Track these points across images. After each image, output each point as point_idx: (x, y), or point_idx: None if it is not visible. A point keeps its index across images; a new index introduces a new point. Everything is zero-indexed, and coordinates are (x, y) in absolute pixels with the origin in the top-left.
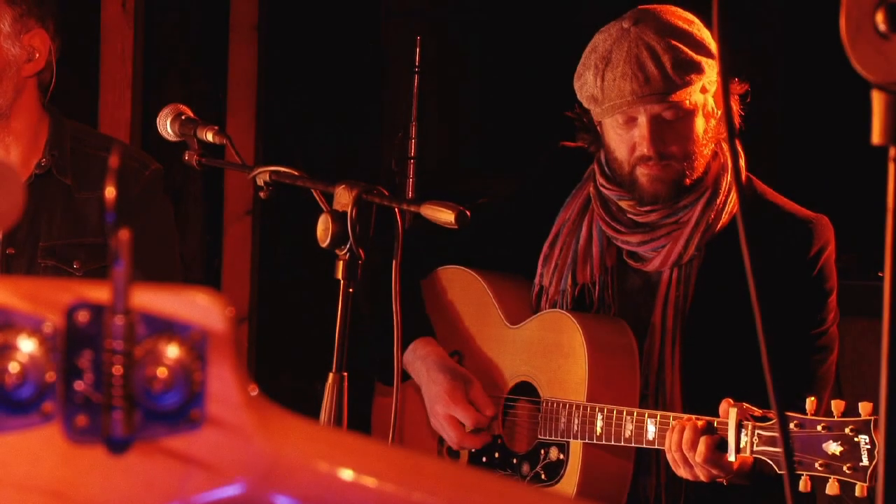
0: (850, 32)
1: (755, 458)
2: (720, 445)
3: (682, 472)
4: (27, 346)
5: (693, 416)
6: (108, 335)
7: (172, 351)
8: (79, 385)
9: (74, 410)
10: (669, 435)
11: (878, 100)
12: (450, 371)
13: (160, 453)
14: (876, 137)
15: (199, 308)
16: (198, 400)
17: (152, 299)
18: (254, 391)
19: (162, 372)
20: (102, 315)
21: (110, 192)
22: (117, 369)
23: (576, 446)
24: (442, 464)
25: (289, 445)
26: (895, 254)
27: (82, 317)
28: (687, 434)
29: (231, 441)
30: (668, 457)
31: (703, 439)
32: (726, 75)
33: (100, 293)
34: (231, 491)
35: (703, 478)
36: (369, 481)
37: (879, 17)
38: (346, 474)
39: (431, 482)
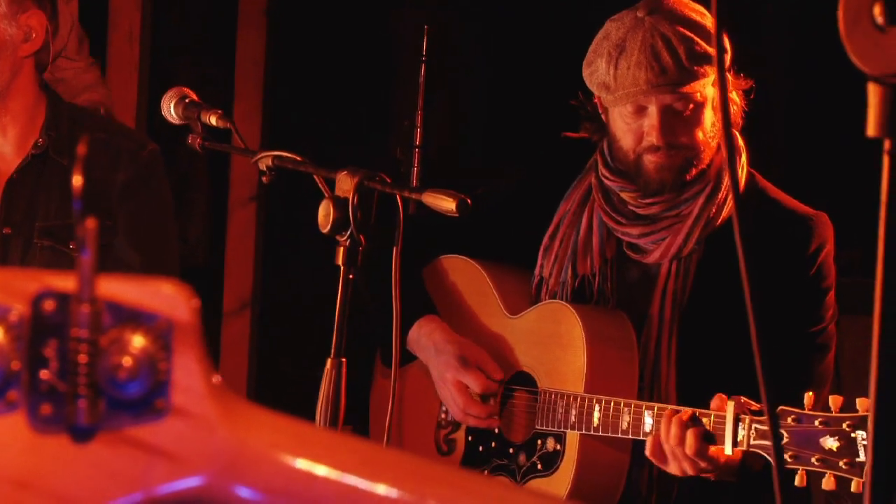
0: (847, 25)
1: (743, 454)
2: (706, 437)
3: (670, 467)
4: None
5: (680, 408)
6: (73, 324)
7: (138, 340)
8: (44, 374)
9: (39, 399)
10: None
11: (873, 92)
12: (457, 342)
13: (124, 443)
14: (871, 130)
15: (165, 298)
16: (162, 389)
17: (118, 289)
18: (217, 380)
19: (127, 361)
20: (68, 304)
21: (77, 180)
22: (82, 358)
23: (573, 437)
24: (405, 456)
25: (252, 436)
26: (887, 246)
27: (48, 305)
28: (673, 430)
29: (195, 431)
30: (653, 455)
31: (690, 432)
32: (722, 66)
33: (66, 282)
34: (194, 482)
35: (690, 471)
36: (333, 473)
37: (877, 10)
38: (310, 466)
39: (395, 473)
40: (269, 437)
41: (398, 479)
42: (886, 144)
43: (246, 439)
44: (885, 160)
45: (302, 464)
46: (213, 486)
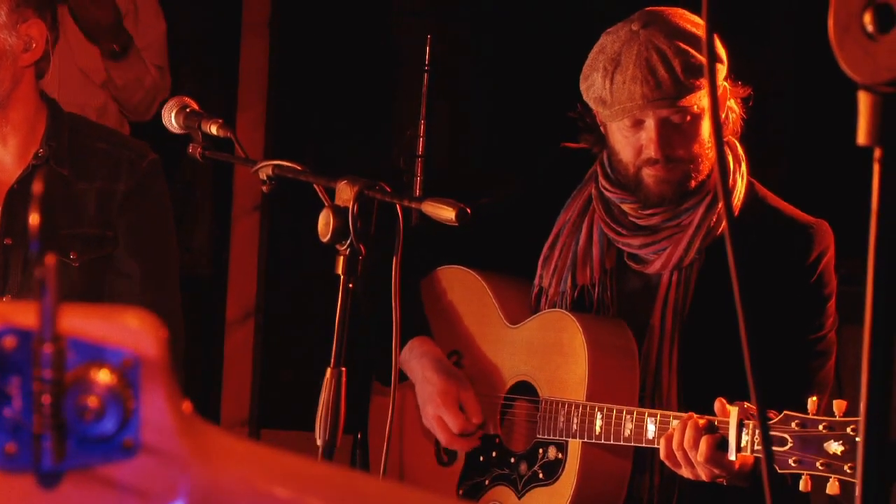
0: (837, 33)
1: (756, 459)
2: (721, 444)
3: (683, 471)
4: None
5: (694, 415)
6: (36, 363)
7: (104, 378)
8: (7, 411)
9: (3, 437)
10: (670, 436)
11: (864, 100)
12: (444, 372)
13: (93, 482)
14: (861, 138)
15: (131, 332)
16: (131, 427)
17: (82, 324)
18: (188, 409)
19: (93, 401)
20: (30, 342)
21: (34, 219)
22: (46, 398)
23: (574, 446)
24: (385, 485)
25: (226, 468)
26: (878, 254)
27: (9, 342)
28: (688, 433)
29: (166, 468)
30: (667, 459)
31: (704, 438)
32: (712, 72)
33: (27, 317)
34: None
35: (704, 477)
36: (311, 502)
37: (867, 18)
38: (287, 496)
39: (374, 503)
40: (243, 468)
41: None
42: (877, 153)
43: (220, 472)
44: (876, 168)
45: (280, 493)
46: None
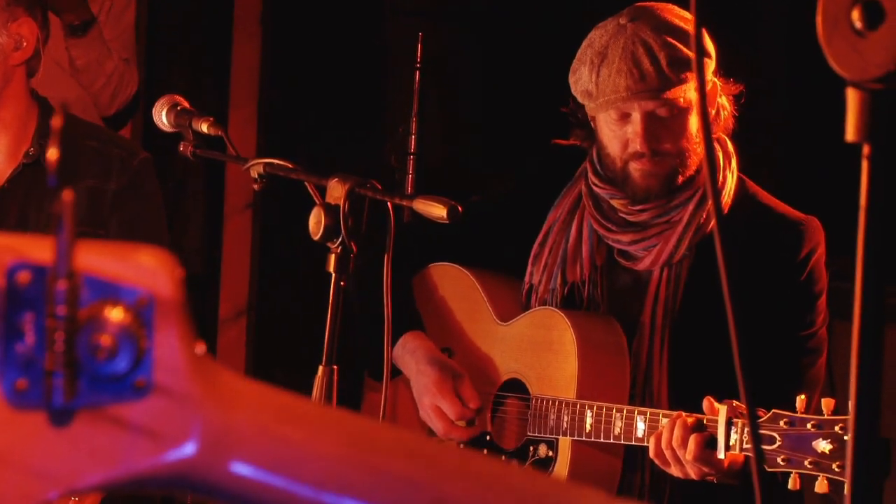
0: (825, 29)
1: (746, 458)
2: (710, 443)
3: (672, 469)
4: None
5: (682, 413)
6: (50, 300)
7: (117, 316)
8: (20, 347)
9: (15, 373)
10: (659, 434)
11: (852, 97)
12: (439, 363)
13: (104, 421)
14: (850, 135)
15: (146, 271)
16: (143, 367)
17: (97, 261)
18: (201, 351)
19: (106, 339)
20: (45, 277)
21: (52, 153)
22: (59, 335)
23: (565, 443)
24: (398, 431)
25: (240, 410)
26: (866, 252)
27: (23, 278)
28: (677, 431)
29: (178, 409)
30: (656, 457)
31: (692, 437)
32: (701, 66)
33: (42, 253)
34: (179, 459)
35: (693, 475)
36: (327, 445)
37: (855, 15)
38: (302, 437)
39: (389, 447)
40: (256, 409)
41: (392, 451)
42: (865, 149)
43: (234, 414)
44: (864, 165)
45: (293, 435)
46: (201, 464)
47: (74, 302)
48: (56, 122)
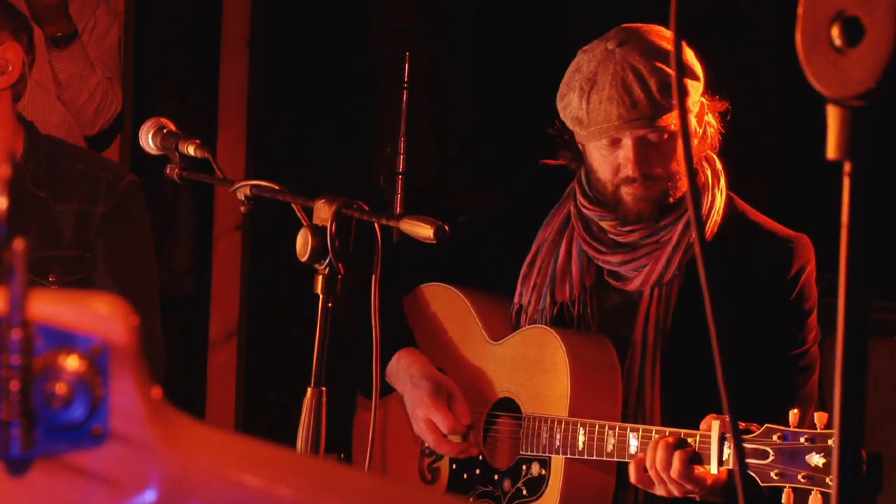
0: (805, 46)
1: (729, 474)
2: (693, 458)
3: (657, 489)
4: None
5: (664, 431)
6: (4, 349)
7: (72, 364)
8: None
9: None
10: (640, 460)
11: (833, 115)
12: (433, 378)
13: (62, 469)
14: (831, 152)
15: (100, 318)
16: (100, 415)
17: (51, 309)
18: (157, 395)
19: (61, 388)
20: None
21: (2, 202)
22: (14, 385)
23: (557, 461)
24: (356, 473)
25: (197, 456)
26: (849, 269)
27: None
28: (660, 454)
29: (136, 455)
30: (638, 482)
31: (676, 454)
32: (681, 80)
33: None
34: None
35: (677, 493)
36: (282, 490)
37: (835, 32)
38: (257, 483)
39: (345, 491)
40: (213, 455)
41: (349, 496)
42: (846, 167)
43: (191, 459)
44: (846, 182)
45: (251, 481)
46: None
47: (29, 351)
48: (4, 171)
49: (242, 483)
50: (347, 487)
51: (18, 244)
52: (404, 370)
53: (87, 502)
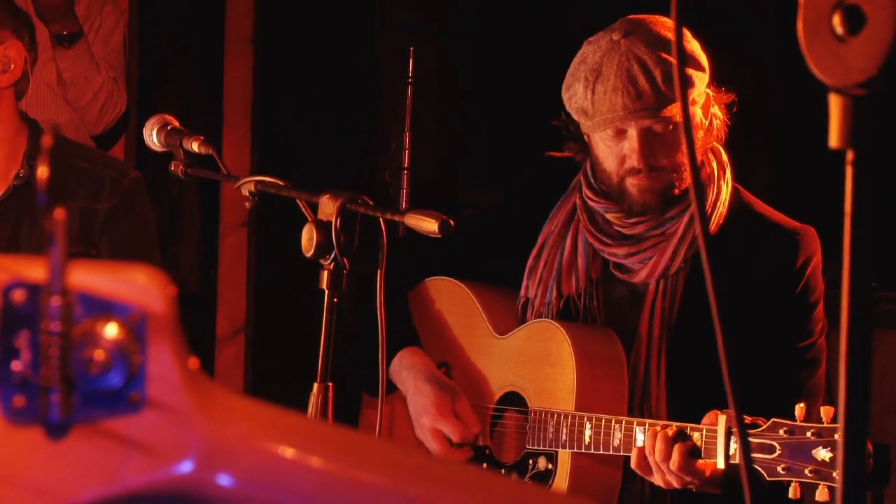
0: (806, 35)
1: (727, 467)
2: (693, 452)
3: (655, 478)
4: None
5: (665, 424)
6: (44, 316)
7: (111, 332)
8: (16, 365)
9: (12, 390)
10: (642, 448)
11: (835, 103)
12: (437, 383)
13: (99, 436)
14: (833, 141)
15: (139, 288)
16: (137, 382)
17: (90, 278)
18: (194, 365)
19: (99, 354)
20: (39, 295)
21: (42, 171)
22: (54, 351)
23: (564, 456)
24: (386, 445)
25: (231, 425)
26: (852, 258)
27: (18, 296)
28: (659, 445)
29: (173, 423)
30: (638, 468)
31: (676, 447)
32: (682, 69)
33: (36, 272)
34: (172, 473)
35: (675, 484)
36: (314, 460)
37: (836, 20)
38: (290, 453)
39: (377, 462)
40: (247, 425)
41: (380, 466)
42: (849, 155)
43: (224, 428)
44: (848, 171)
45: (283, 451)
46: (192, 477)
47: (68, 318)
48: (46, 140)
49: (276, 454)
50: (380, 460)
51: (59, 213)
52: (407, 370)
53: (124, 469)
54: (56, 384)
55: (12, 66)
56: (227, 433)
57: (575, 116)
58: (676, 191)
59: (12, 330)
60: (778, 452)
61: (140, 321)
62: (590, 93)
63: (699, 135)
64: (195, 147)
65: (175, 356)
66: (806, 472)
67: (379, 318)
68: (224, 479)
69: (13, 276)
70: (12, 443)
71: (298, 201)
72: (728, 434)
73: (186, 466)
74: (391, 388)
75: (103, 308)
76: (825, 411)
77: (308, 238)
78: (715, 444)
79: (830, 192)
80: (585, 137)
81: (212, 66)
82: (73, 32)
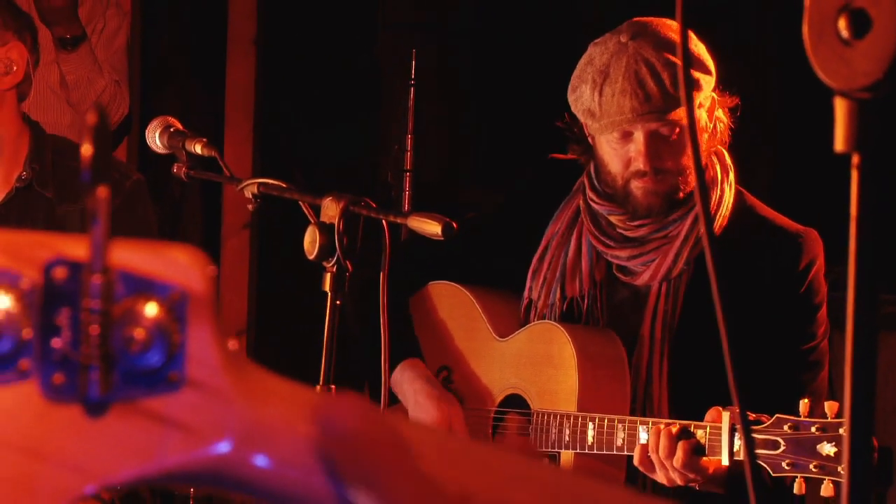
0: (812, 39)
1: (730, 466)
2: (697, 449)
3: (658, 476)
4: (3, 301)
5: (669, 422)
6: (85, 294)
7: (151, 311)
8: (56, 343)
9: (51, 368)
10: (645, 445)
11: (840, 107)
12: (436, 398)
13: (138, 414)
14: (839, 145)
15: (180, 267)
16: (177, 361)
17: (132, 257)
18: (233, 347)
19: (140, 333)
20: (80, 273)
21: (87, 149)
22: (94, 328)
23: (567, 457)
24: (418, 427)
25: (269, 406)
26: (858, 262)
27: (59, 273)
28: (662, 441)
29: (212, 404)
30: (640, 464)
31: (680, 445)
32: (687, 72)
33: (78, 250)
34: (210, 453)
35: (679, 482)
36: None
37: (842, 24)
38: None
39: (418, 445)
40: (285, 406)
41: (421, 450)
42: (855, 159)
43: (262, 409)
44: (854, 175)
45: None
46: (229, 458)
47: (109, 296)
48: (91, 118)
49: (310, 438)
50: (418, 443)
51: (102, 192)
52: (408, 383)
53: (162, 448)
54: (96, 362)
55: (14, 67)
56: (265, 414)
57: (581, 118)
58: (681, 194)
59: (53, 307)
60: (782, 448)
61: (180, 301)
62: (597, 95)
63: (703, 138)
64: (198, 149)
65: (214, 336)
66: (811, 467)
67: (381, 321)
68: (261, 460)
69: (55, 253)
70: (51, 420)
71: (301, 203)
72: (732, 431)
73: (224, 447)
74: (392, 399)
75: (144, 287)
76: (829, 406)
77: (311, 240)
78: (719, 440)
79: (831, 193)
80: (590, 139)
81: (214, 68)
82: (77, 35)
